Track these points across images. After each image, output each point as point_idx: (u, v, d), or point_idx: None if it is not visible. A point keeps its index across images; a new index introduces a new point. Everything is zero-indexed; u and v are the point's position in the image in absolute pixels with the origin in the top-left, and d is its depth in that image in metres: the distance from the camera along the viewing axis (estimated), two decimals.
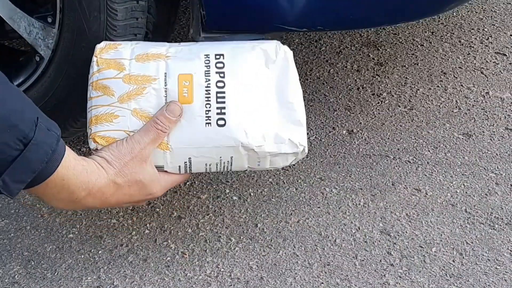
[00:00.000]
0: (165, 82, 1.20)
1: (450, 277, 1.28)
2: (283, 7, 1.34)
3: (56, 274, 1.30)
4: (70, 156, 1.08)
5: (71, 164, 1.08)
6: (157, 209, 1.44)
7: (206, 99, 1.20)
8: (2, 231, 1.40)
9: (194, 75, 1.20)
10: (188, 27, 1.43)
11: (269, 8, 1.34)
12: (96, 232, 1.39)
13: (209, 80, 1.20)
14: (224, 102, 1.19)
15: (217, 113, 1.19)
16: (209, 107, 1.19)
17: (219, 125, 1.19)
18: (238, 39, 1.32)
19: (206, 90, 1.20)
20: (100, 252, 1.35)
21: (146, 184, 1.19)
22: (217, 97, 1.20)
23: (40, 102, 1.47)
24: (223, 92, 1.20)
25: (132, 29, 1.39)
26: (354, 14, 1.36)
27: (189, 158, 1.21)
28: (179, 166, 1.22)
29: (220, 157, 1.21)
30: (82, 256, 1.34)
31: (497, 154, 1.57)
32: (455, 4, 1.50)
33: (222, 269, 1.30)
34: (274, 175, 1.52)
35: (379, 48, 1.95)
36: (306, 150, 1.23)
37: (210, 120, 1.19)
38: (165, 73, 1.20)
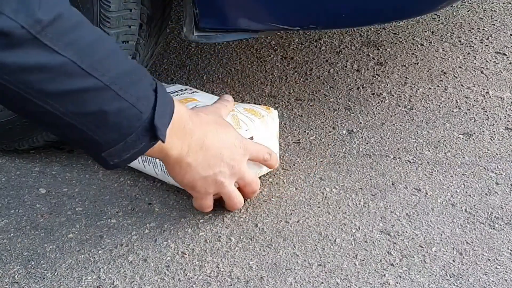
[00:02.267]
0: None
1: (450, 277, 1.28)
2: (276, 6, 1.34)
3: (56, 274, 1.30)
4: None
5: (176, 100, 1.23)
6: (157, 209, 1.44)
7: None
8: (2, 231, 1.40)
9: None
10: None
11: (262, 6, 1.33)
12: (96, 232, 1.39)
13: None
14: None
15: None
16: None
17: None
18: (231, 37, 1.33)
19: None
20: (100, 252, 1.35)
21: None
22: None
23: None
24: None
25: (125, 20, 1.38)
26: (345, 12, 1.36)
27: None
28: None
29: None
30: (82, 256, 1.34)
31: (497, 154, 1.57)
32: (446, 3, 1.50)
33: (222, 269, 1.30)
34: (274, 175, 1.52)
35: (379, 47, 1.95)
36: None
37: None
38: None
